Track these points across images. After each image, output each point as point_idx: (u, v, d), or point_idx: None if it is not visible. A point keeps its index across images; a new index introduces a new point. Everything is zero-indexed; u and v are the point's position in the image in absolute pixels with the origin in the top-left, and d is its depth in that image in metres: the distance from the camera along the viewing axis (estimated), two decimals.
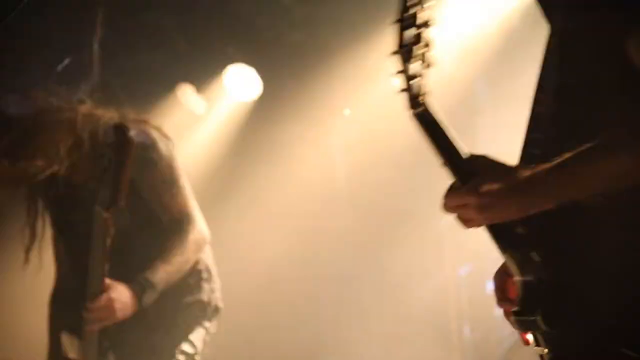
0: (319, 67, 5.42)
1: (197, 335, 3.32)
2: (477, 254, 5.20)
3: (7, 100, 3.11)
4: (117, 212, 2.89)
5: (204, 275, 3.32)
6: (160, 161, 3.17)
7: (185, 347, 3.28)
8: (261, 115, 5.62)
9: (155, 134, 3.20)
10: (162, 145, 3.19)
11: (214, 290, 3.35)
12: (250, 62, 5.55)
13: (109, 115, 3.24)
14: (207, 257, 3.36)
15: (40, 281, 3.40)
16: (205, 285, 3.32)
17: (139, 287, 3.07)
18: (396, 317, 5.57)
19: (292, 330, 5.72)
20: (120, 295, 3.03)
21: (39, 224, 3.29)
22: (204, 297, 3.31)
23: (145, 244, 3.18)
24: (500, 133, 4.50)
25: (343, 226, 5.72)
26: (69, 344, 3.23)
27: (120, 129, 2.88)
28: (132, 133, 2.89)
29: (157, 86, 5.46)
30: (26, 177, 3.18)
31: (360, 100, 5.54)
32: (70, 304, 3.28)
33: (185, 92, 5.65)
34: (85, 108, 3.22)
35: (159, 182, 3.17)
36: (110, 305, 3.00)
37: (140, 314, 3.09)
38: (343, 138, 5.76)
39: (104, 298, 2.99)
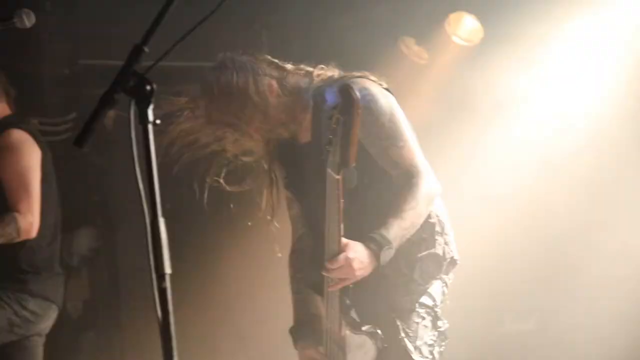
0: None
1: (436, 289, 3.32)
2: None
3: (233, 69, 3.19)
4: (348, 173, 2.91)
5: (437, 228, 3.29)
6: (383, 116, 3.15)
7: (425, 300, 3.30)
8: (484, 62, 5.51)
9: (375, 89, 3.18)
10: (382, 99, 3.17)
11: (448, 243, 3.32)
12: (471, 8, 5.45)
13: (329, 73, 3.28)
14: (439, 210, 3.33)
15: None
16: (439, 238, 3.29)
17: (375, 245, 3.05)
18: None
19: (528, 281, 5.64)
20: (358, 254, 3.02)
21: (274, 190, 3.40)
22: (439, 250, 3.29)
23: (376, 201, 3.18)
24: None
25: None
26: (312, 301, 3.33)
27: (345, 89, 2.86)
28: (356, 91, 2.88)
29: (379, 38, 5.50)
30: (265, 142, 3.31)
31: None
32: (309, 264, 3.35)
33: (407, 43, 5.64)
34: (302, 70, 3.28)
35: (383, 138, 3.16)
36: (349, 265, 3.00)
37: (378, 272, 3.09)
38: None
39: (342, 258, 3.00)
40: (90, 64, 6.05)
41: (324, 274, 3.07)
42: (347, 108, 2.85)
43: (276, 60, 3.26)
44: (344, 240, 3.02)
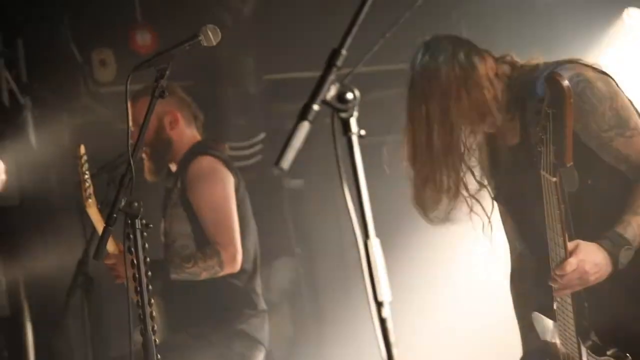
0: None
1: None
2: None
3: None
4: (566, 174, 2.81)
5: None
6: (602, 103, 3.00)
7: None
8: None
9: (589, 73, 3.03)
10: (599, 84, 3.02)
11: None
12: None
13: (534, 62, 3.16)
14: None
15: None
16: None
17: (611, 245, 2.93)
18: None
19: None
20: (591, 255, 2.92)
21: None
22: None
23: (604, 205, 3.04)
24: None
25: None
26: (542, 326, 3.24)
27: (552, 78, 2.75)
28: (565, 79, 2.77)
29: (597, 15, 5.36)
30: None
31: None
32: (533, 283, 3.26)
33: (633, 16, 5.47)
34: (505, 60, 3.18)
35: (605, 128, 3.00)
36: (581, 269, 2.90)
37: (616, 279, 2.96)
38: None
39: (572, 261, 2.89)
40: (275, 79, 6.22)
41: (552, 284, 2.96)
42: (556, 99, 2.75)
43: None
44: (573, 242, 2.92)
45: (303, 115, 1.94)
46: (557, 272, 2.92)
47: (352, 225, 1.94)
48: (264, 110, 6.27)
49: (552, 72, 2.85)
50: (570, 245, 2.92)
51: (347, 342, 6.14)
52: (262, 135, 6.21)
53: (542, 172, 2.86)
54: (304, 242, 6.63)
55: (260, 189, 5.67)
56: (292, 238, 6.58)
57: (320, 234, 6.55)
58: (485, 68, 3.09)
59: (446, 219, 3.17)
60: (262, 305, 4.57)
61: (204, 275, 4.32)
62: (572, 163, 2.79)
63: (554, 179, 2.82)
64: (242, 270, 4.42)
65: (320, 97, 1.92)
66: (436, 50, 3.09)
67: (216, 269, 4.31)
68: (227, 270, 4.33)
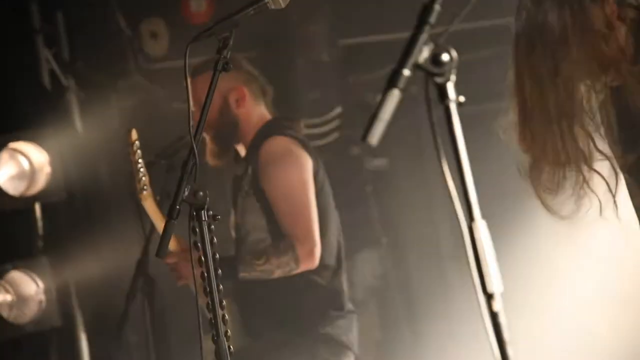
0: None
1: None
2: None
3: None
4: None
5: None
6: None
7: None
8: None
9: None
10: None
11: None
12: None
13: None
14: None
15: None
16: None
17: None
18: None
19: None
20: None
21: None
22: None
23: None
24: None
25: None
26: None
27: None
28: None
29: None
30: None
31: None
32: None
33: None
34: None
35: None
36: None
37: None
38: None
39: None
40: (352, 44, 6.20)
41: None
42: None
43: None
44: None
45: (392, 82, 1.94)
46: None
47: (454, 206, 1.94)
48: (340, 81, 6.26)
49: None
50: None
51: (445, 344, 6.12)
52: (338, 110, 6.20)
53: None
54: (390, 230, 6.62)
55: (338, 171, 5.67)
56: (376, 226, 6.58)
57: (410, 220, 6.53)
58: (602, 11, 3.04)
59: (574, 211, 3.13)
60: (349, 305, 4.58)
61: (278, 274, 4.34)
62: None
63: None
64: (325, 266, 4.42)
65: (411, 61, 1.92)
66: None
67: (291, 265, 4.33)
68: (304, 267, 4.35)
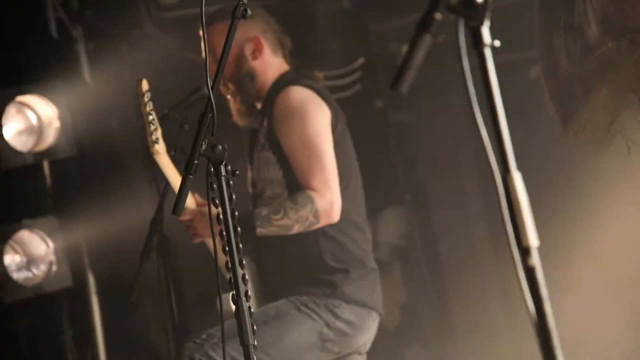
0: None
1: None
2: None
3: None
4: None
5: None
6: None
7: None
8: None
9: None
10: None
11: None
12: None
13: None
14: None
15: None
16: None
17: None
18: None
19: None
20: None
21: None
22: None
23: None
24: None
25: None
26: None
27: None
28: None
29: None
30: None
31: None
32: None
33: None
34: None
35: None
36: None
37: None
38: None
39: None
40: None
41: None
42: None
43: None
44: None
45: (423, 25, 1.94)
46: None
47: (487, 158, 1.94)
48: (362, 30, 6.22)
49: None
50: None
51: (475, 307, 6.13)
52: (360, 61, 6.17)
53: None
54: (415, 187, 6.61)
55: (360, 125, 5.65)
56: (401, 183, 6.58)
57: (435, 177, 6.51)
58: None
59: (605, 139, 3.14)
60: (372, 263, 4.58)
61: (297, 229, 4.34)
62: None
63: None
64: (347, 220, 4.42)
65: (443, 2, 1.92)
66: None
67: (310, 219, 4.32)
68: (324, 221, 4.34)
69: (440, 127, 6.33)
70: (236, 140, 4.76)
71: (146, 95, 4.29)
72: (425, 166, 6.55)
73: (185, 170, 3.16)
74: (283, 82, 4.51)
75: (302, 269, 4.46)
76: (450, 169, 6.40)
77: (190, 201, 4.32)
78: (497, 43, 1.93)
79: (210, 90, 3.12)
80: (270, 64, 4.59)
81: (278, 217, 4.31)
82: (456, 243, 6.40)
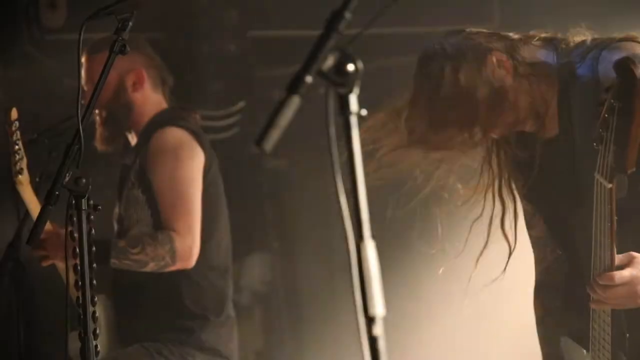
0: None
1: None
2: None
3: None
4: (621, 181, 2.80)
5: None
6: None
7: None
8: None
9: None
10: None
11: None
12: None
13: (577, 39, 3.18)
14: None
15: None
16: None
17: None
18: None
19: None
20: None
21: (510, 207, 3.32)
22: None
23: None
24: None
25: None
26: (572, 352, 3.27)
27: (623, 65, 2.74)
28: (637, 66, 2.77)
29: None
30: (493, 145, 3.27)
31: None
32: (565, 303, 3.31)
33: None
34: (538, 37, 3.19)
35: None
36: (633, 284, 2.90)
37: None
38: None
39: (624, 274, 2.90)
40: (262, 36, 6.19)
41: (590, 292, 2.97)
42: (625, 91, 2.74)
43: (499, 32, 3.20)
44: (627, 254, 2.94)
45: (293, 88, 1.94)
46: (602, 282, 2.93)
47: (343, 223, 1.95)
48: (246, 74, 6.25)
49: (625, 58, 2.83)
50: (623, 257, 2.94)
51: (328, 356, 6.15)
52: (241, 104, 6.19)
53: (597, 175, 2.87)
54: (283, 235, 6.62)
55: (234, 168, 5.66)
56: (269, 229, 6.58)
57: (304, 226, 6.54)
58: (498, 61, 3.12)
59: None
60: (231, 310, 4.58)
61: (151, 267, 4.31)
62: (634, 169, 2.81)
63: (610, 186, 2.84)
64: (211, 266, 4.42)
65: (315, 68, 1.92)
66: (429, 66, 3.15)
67: (166, 260, 4.30)
68: (180, 264, 4.33)
69: (314, 175, 6.35)
70: (106, 175, 4.71)
71: (14, 124, 4.25)
72: (295, 214, 6.57)
73: (45, 200, 3.12)
74: (160, 121, 4.50)
75: (160, 312, 4.44)
76: (320, 220, 6.42)
77: (49, 225, 4.26)
78: (364, 112, 1.95)
79: (80, 122, 3.09)
80: (150, 98, 4.57)
81: (135, 251, 4.29)
82: (317, 294, 6.41)
